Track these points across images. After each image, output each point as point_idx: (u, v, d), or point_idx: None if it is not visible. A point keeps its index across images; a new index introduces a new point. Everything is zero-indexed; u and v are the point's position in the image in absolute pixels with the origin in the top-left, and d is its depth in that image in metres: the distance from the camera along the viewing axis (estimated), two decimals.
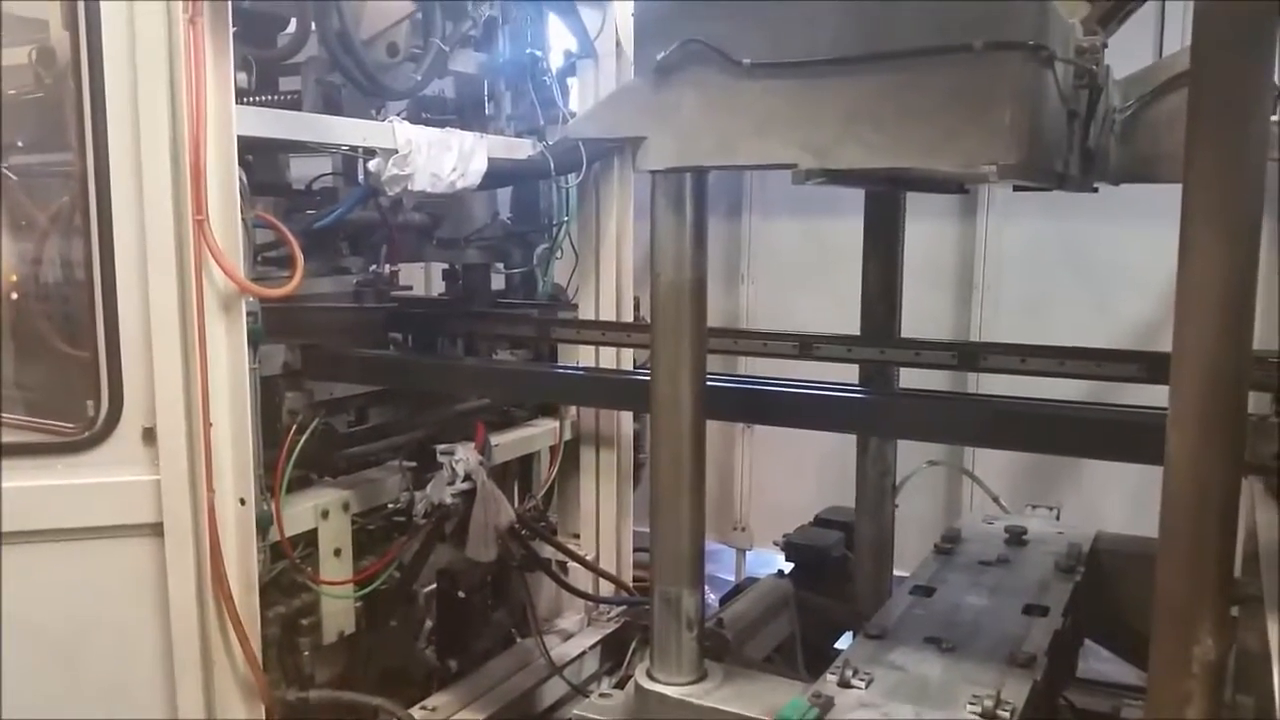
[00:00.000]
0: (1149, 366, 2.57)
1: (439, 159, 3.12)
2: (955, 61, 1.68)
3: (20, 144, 2.93)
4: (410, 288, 4.33)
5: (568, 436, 4.05)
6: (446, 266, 4.19)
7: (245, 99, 2.96)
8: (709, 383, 2.18)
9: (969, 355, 2.91)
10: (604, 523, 4.13)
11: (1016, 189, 2.65)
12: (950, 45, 1.68)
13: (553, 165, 3.63)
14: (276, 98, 3.30)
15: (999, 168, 1.69)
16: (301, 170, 3.62)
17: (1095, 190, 2.33)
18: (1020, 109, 1.67)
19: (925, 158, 1.78)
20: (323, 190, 3.56)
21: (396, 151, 2.99)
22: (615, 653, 3.99)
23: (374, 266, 3.58)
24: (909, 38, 1.71)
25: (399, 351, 3.81)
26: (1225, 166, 1.42)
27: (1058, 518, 3.15)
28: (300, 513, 3.00)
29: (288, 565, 2.94)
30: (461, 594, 3.73)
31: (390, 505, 3.33)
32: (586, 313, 4.00)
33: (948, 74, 1.69)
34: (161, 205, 2.54)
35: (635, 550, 4.24)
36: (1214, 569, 1.48)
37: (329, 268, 3.46)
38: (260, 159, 3.23)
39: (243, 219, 2.65)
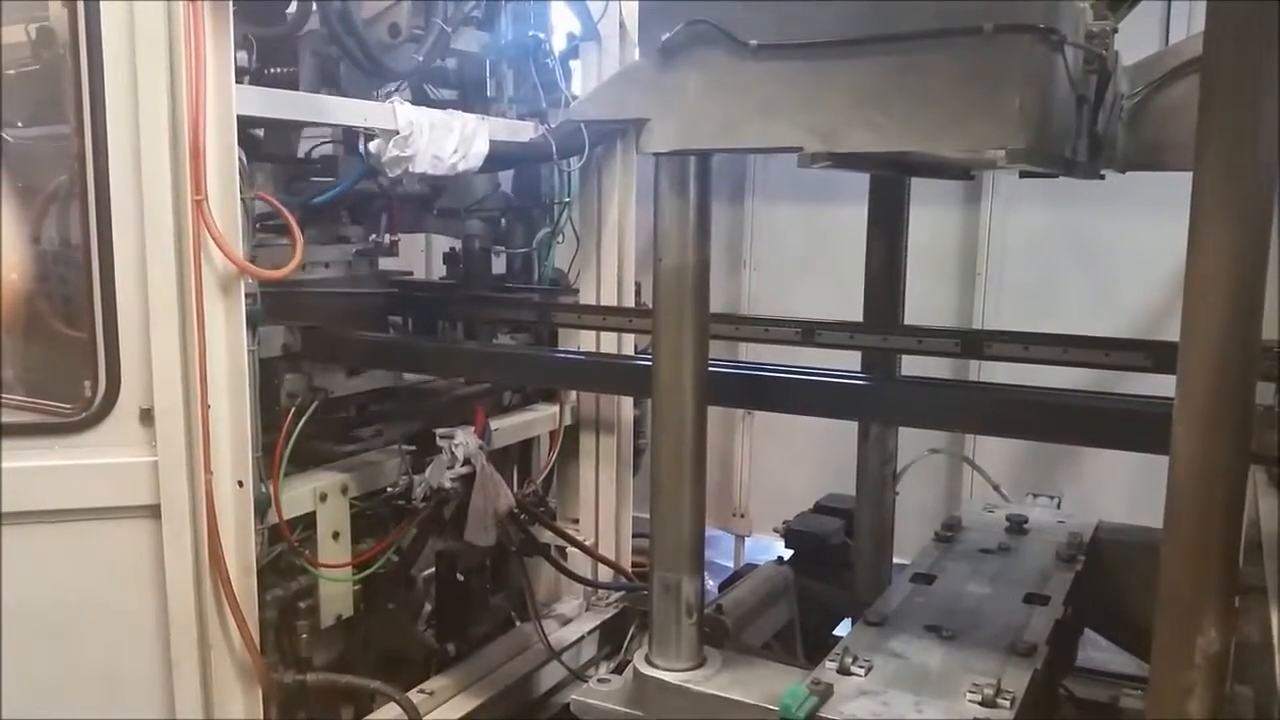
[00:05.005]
0: (1154, 355, 2.56)
1: (440, 141, 3.10)
2: (964, 44, 1.66)
3: (20, 123, 2.91)
4: (411, 272, 4.31)
5: (568, 421, 4.04)
6: (447, 250, 4.17)
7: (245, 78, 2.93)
8: (710, 368, 2.16)
9: (972, 343, 2.89)
10: (603, 508, 4.13)
11: (1023, 175, 2.62)
12: (960, 28, 1.66)
13: (555, 148, 3.60)
14: (280, 72, 3.25)
15: (1007, 152, 1.68)
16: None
17: (1102, 177, 2.31)
18: (1030, 93, 1.65)
19: (933, 141, 1.76)
20: (323, 159, 3.52)
21: (398, 133, 2.97)
22: (614, 638, 3.99)
23: (374, 236, 3.55)
24: (918, 20, 1.69)
25: (399, 335, 3.80)
26: (1236, 154, 1.40)
27: (1059, 506, 3.15)
28: (299, 495, 2.99)
29: (286, 548, 2.93)
30: (460, 576, 3.73)
31: (389, 489, 3.32)
32: (587, 297, 3.99)
33: (957, 57, 1.67)
34: (160, 185, 2.52)
35: (634, 536, 4.24)
36: (1218, 561, 1.47)
37: (329, 236, 3.43)
38: (271, 132, 3.20)
39: (242, 199, 2.63)
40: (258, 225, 2.94)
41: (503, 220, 4.06)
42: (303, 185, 3.28)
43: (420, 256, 5.13)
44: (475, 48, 3.71)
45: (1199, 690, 1.48)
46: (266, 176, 3.10)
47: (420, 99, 3.73)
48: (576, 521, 4.13)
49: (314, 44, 3.18)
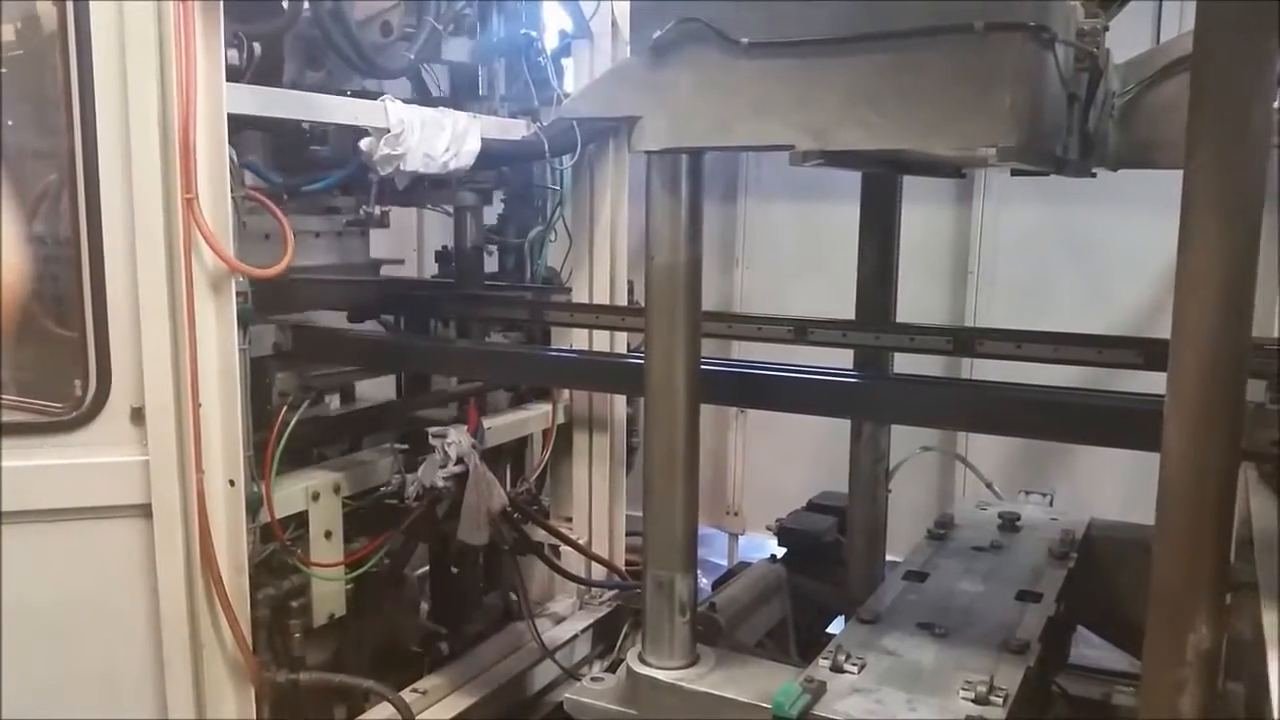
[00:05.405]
0: (1146, 353, 2.56)
1: (432, 139, 3.09)
2: (956, 42, 1.66)
3: (10, 122, 2.89)
4: (402, 260, 4.28)
5: (561, 420, 4.04)
6: (440, 248, 4.16)
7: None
8: (703, 366, 2.16)
9: (964, 341, 2.89)
10: (596, 506, 4.13)
11: (1015, 173, 2.63)
12: (951, 25, 1.66)
13: (547, 146, 3.59)
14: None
15: (999, 150, 1.68)
16: None
17: (1093, 175, 2.32)
18: (1021, 91, 1.65)
19: (925, 140, 1.77)
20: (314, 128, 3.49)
21: (389, 131, 2.97)
22: (607, 636, 3.99)
23: (364, 207, 3.53)
24: (909, 18, 1.70)
25: (391, 334, 3.79)
26: (1227, 152, 1.40)
27: (1051, 504, 3.15)
28: (291, 494, 2.98)
29: (278, 547, 2.92)
30: (454, 569, 3.72)
31: (382, 488, 3.31)
32: (580, 296, 3.99)
33: (948, 55, 1.67)
34: (151, 184, 2.51)
35: (627, 534, 4.24)
36: (1210, 557, 1.47)
37: (319, 207, 3.40)
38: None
39: (232, 197, 2.62)
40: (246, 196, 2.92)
41: (494, 194, 4.02)
42: (295, 158, 3.24)
43: (413, 256, 5.12)
44: (466, 48, 3.70)
45: (1191, 687, 1.48)
46: (257, 149, 3.06)
47: (419, 88, 3.72)
48: (570, 520, 4.13)
49: (299, 29, 3.15)
